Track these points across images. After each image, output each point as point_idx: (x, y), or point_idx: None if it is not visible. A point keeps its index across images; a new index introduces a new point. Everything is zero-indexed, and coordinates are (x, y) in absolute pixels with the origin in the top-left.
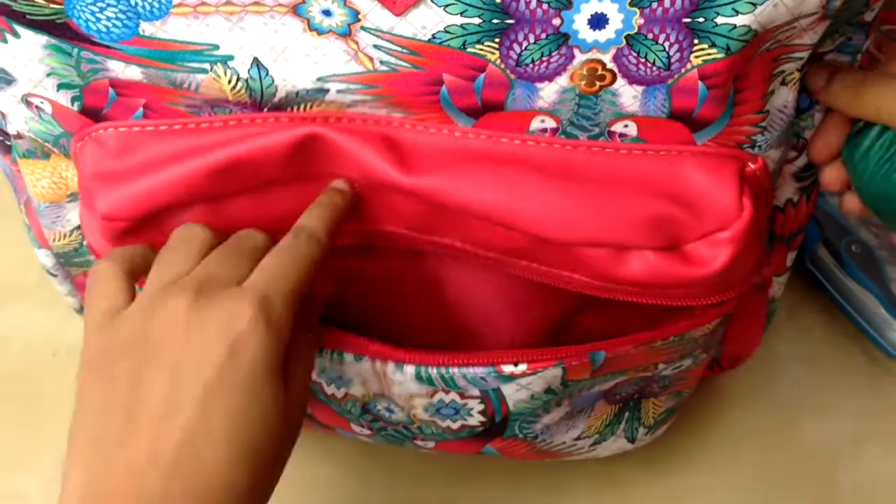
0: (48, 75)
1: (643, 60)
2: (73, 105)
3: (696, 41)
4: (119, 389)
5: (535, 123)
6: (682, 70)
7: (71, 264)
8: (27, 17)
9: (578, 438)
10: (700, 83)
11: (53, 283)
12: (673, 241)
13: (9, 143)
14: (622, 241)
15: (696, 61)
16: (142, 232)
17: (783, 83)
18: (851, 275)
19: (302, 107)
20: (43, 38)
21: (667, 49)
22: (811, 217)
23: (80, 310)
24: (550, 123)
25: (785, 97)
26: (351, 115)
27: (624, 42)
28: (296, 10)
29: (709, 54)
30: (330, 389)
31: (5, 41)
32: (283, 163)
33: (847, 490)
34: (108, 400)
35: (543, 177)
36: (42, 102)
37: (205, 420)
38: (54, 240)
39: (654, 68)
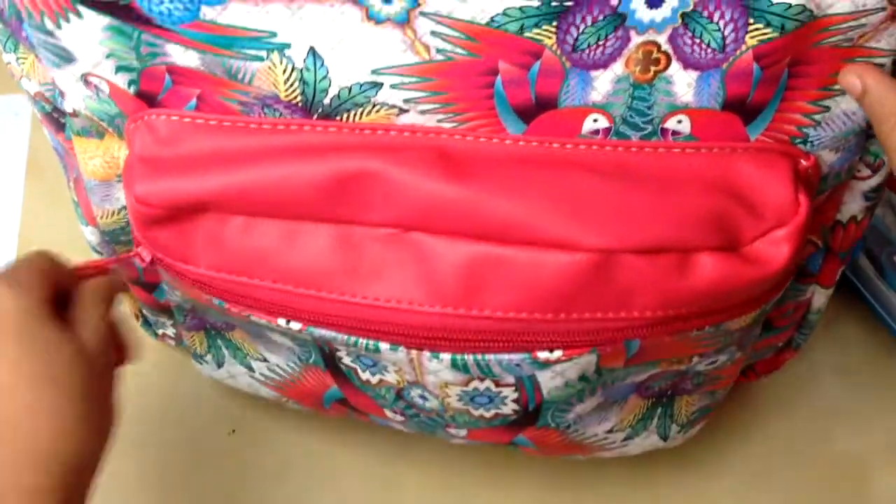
0: (107, 57)
1: (698, 41)
2: (129, 88)
3: (750, 20)
4: None
5: (588, 124)
6: (737, 52)
7: (117, 242)
8: None
9: (611, 431)
10: (754, 65)
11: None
12: (732, 239)
13: (63, 120)
14: (683, 241)
15: (750, 42)
16: (171, 224)
17: None
18: (892, 286)
19: (352, 113)
20: (105, 20)
21: (721, 29)
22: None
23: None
24: (603, 123)
25: (856, 105)
26: (401, 127)
27: (679, 21)
28: None
29: (764, 34)
30: (364, 375)
31: (68, 21)
32: (317, 197)
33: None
34: None
35: (599, 180)
36: (100, 82)
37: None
38: (102, 217)
39: (709, 50)
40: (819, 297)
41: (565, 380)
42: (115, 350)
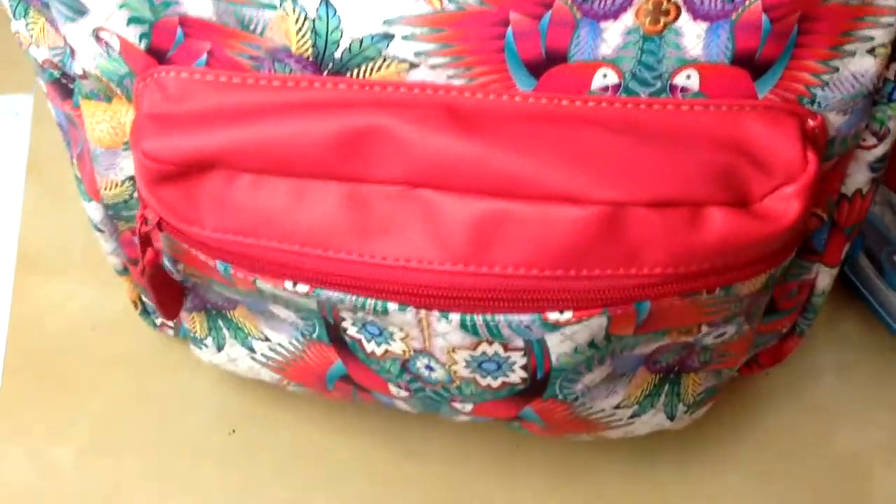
0: (120, 7)
1: None
2: (140, 42)
3: None
4: None
5: (597, 80)
6: (746, 2)
7: (119, 217)
8: None
9: (618, 407)
10: (763, 16)
11: (99, 238)
12: (742, 195)
13: (71, 86)
14: (693, 195)
15: None
16: (178, 181)
17: (870, 52)
18: (892, 285)
19: (363, 68)
20: None
21: None
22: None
23: (123, 270)
24: (613, 78)
25: (866, 66)
26: (410, 84)
27: None
28: None
29: None
30: (370, 346)
31: None
32: (326, 153)
33: (878, 502)
34: None
35: (609, 135)
36: (111, 38)
37: None
38: (106, 188)
39: (719, 1)
40: (823, 277)
41: (574, 344)
42: None
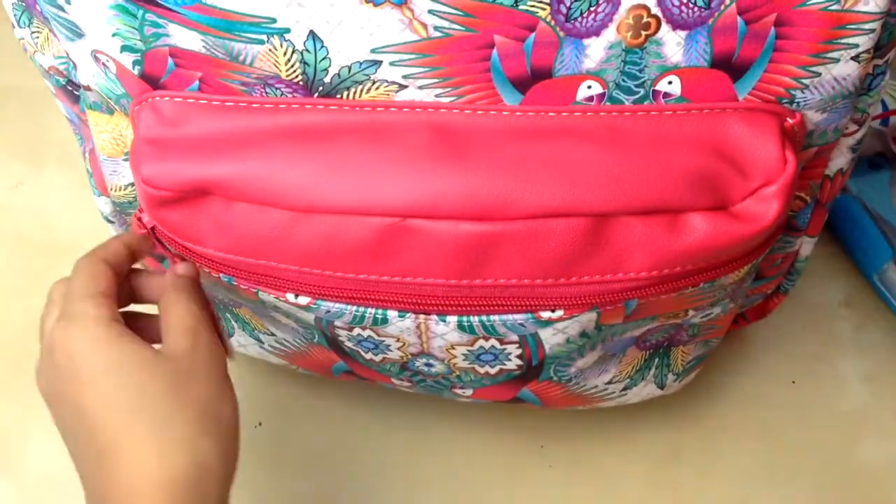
0: (113, 36)
1: (685, 1)
2: (134, 69)
3: None
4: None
5: (582, 91)
6: (722, 7)
7: (127, 213)
8: None
9: (610, 382)
10: (739, 19)
11: (110, 229)
12: (723, 198)
13: (77, 93)
14: (674, 203)
15: None
16: (179, 205)
17: (854, 58)
18: None
19: (352, 90)
20: None
21: None
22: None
23: None
24: (597, 89)
25: (848, 70)
26: (399, 104)
27: None
28: None
29: None
30: (368, 355)
31: None
32: (317, 190)
33: None
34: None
35: (594, 146)
36: (108, 60)
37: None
38: (112, 189)
39: (696, 8)
40: (806, 246)
41: (567, 336)
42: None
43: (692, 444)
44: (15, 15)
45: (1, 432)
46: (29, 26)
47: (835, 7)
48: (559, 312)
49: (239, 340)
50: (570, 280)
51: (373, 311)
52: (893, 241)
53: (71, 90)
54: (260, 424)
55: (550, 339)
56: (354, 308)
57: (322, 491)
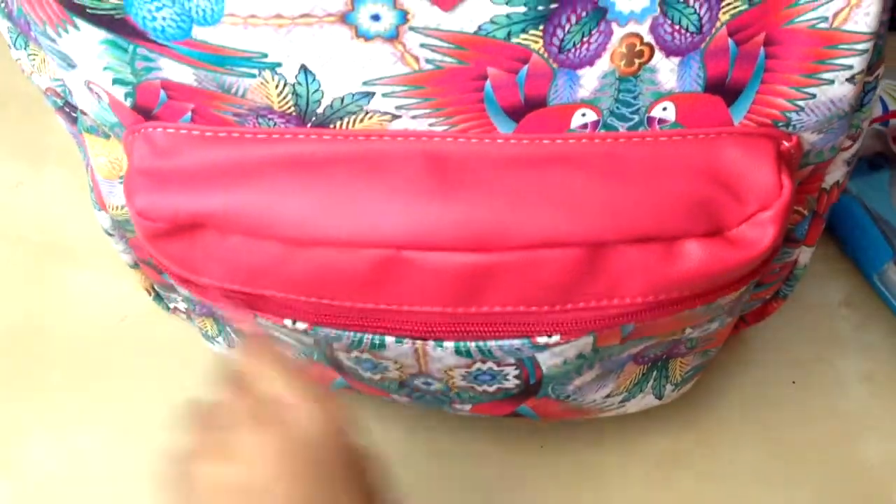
0: (104, 69)
1: (678, 27)
2: (126, 100)
3: None
4: None
5: (577, 119)
6: (713, 30)
7: (126, 229)
8: (87, 10)
9: (608, 396)
10: (730, 40)
11: (110, 241)
12: (718, 224)
13: (75, 115)
14: (670, 230)
15: (723, 17)
16: (175, 236)
17: (849, 80)
18: None
19: (346, 120)
20: (101, 34)
21: (697, 10)
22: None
23: (134, 265)
24: (591, 116)
25: (844, 92)
26: (393, 133)
27: (658, 10)
28: (344, 19)
29: (734, 7)
30: (367, 374)
31: (67, 31)
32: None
33: None
34: None
35: (589, 174)
36: (100, 91)
37: None
38: (110, 207)
39: (688, 34)
40: (805, 255)
41: (563, 358)
42: None
43: (692, 444)
44: (11, 37)
45: (1, 432)
46: (25, 49)
47: (823, 25)
48: (555, 338)
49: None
50: (565, 307)
51: (370, 336)
52: (893, 241)
53: (69, 111)
54: None
55: (547, 361)
56: (352, 334)
57: None
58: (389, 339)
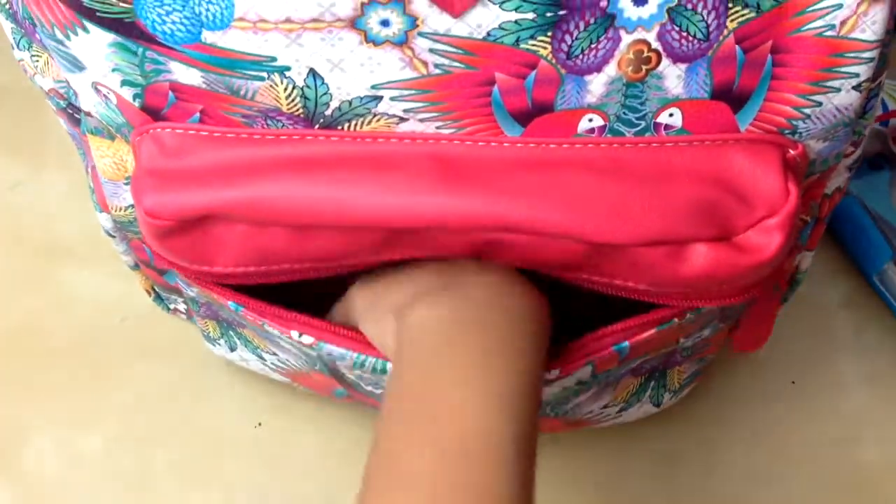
0: (113, 71)
1: (685, 34)
2: (134, 101)
3: (730, 4)
4: None
5: (584, 124)
6: (720, 38)
7: (128, 231)
8: (97, 14)
9: (605, 407)
10: (737, 48)
11: (111, 242)
12: (724, 229)
13: (78, 116)
14: (677, 234)
15: (731, 25)
16: (183, 233)
17: (855, 88)
18: None
19: (353, 123)
20: (110, 36)
21: (705, 18)
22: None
23: (135, 266)
24: (598, 122)
25: (850, 100)
26: (401, 135)
27: (666, 17)
28: (353, 24)
29: (742, 15)
30: (368, 388)
31: (76, 34)
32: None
33: None
34: None
35: (596, 178)
36: (108, 92)
37: None
38: (113, 209)
39: (695, 41)
40: (805, 260)
41: (563, 386)
42: None
43: (692, 444)
44: (14, 38)
45: (1, 432)
46: (28, 50)
47: (830, 33)
48: (555, 373)
49: (241, 355)
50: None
51: (373, 360)
52: (893, 241)
53: (71, 113)
54: (260, 424)
55: (547, 391)
56: (356, 354)
57: (326, 492)
58: (390, 366)
